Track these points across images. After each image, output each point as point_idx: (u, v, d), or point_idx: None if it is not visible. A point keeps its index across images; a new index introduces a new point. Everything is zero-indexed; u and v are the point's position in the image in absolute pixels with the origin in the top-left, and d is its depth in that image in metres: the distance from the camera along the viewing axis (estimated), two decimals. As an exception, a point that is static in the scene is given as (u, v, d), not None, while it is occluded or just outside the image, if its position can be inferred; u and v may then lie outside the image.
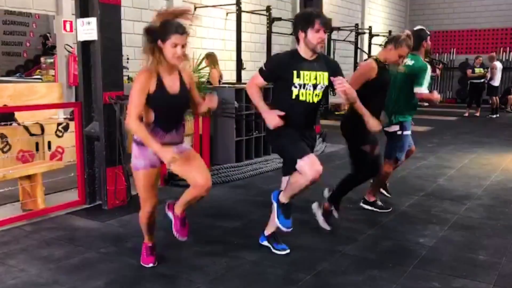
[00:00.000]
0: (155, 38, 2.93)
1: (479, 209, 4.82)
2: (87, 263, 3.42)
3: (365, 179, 4.27)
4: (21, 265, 3.38)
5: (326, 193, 4.23)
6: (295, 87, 3.20)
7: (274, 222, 3.48)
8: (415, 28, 4.71)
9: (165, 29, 2.91)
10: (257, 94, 3.29)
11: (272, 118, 3.16)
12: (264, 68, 3.31)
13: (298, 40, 3.25)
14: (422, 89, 4.38)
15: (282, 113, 3.18)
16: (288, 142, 3.26)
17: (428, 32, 4.62)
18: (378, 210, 4.60)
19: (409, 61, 4.49)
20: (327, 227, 4.06)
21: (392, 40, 4.02)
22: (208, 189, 3.11)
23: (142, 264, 3.36)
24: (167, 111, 3.05)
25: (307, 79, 3.21)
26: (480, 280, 3.20)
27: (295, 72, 3.18)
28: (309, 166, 3.12)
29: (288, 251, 3.57)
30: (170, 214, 3.36)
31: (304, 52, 3.24)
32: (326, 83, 3.29)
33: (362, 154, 4.08)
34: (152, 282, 3.14)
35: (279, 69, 3.24)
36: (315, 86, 3.24)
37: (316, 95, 3.27)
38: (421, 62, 4.47)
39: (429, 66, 4.50)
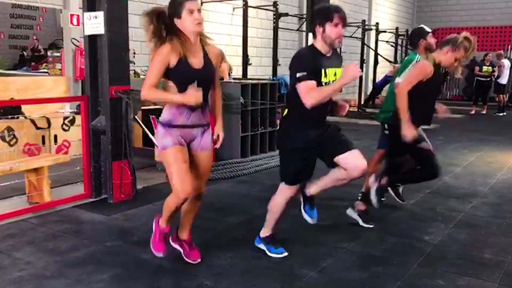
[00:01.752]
0: (170, 17, 2.89)
1: (485, 207, 4.80)
2: (93, 257, 3.44)
3: (426, 179, 4.14)
4: (27, 257, 3.40)
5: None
6: (322, 85, 3.11)
7: (270, 225, 3.50)
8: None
9: (175, 5, 2.88)
10: (321, 90, 3.06)
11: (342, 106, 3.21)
12: (303, 73, 3.03)
13: (314, 35, 3.18)
14: (400, 79, 4.25)
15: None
16: (288, 164, 3.30)
17: (429, 30, 4.53)
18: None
19: (407, 57, 4.52)
20: (377, 205, 4.08)
21: (449, 42, 3.78)
22: (198, 196, 3.20)
23: (153, 251, 3.22)
24: (189, 85, 2.93)
25: (330, 77, 3.15)
26: (485, 279, 3.19)
27: (323, 70, 3.10)
28: (285, 192, 3.34)
29: (285, 254, 3.48)
30: (175, 246, 3.38)
31: (321, 47, 3.15)
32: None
33: (421, 153, 3.94)
34: (157, 276, 3.15)
35: (314, 66, 3.08)
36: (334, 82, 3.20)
37: None
38: (412, 56, 4.42)
39: (418, 58, 4.34)
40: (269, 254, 3.49)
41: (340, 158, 3.16)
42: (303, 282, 3.11)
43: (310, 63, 3.09)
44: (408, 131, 3.74)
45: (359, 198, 4.44)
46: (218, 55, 3.21)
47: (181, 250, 3.35)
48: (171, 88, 2.98)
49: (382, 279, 3.16)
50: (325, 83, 3.12)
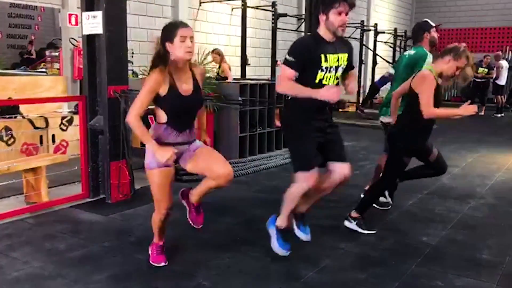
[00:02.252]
0: (162, 41, 2.92)
1: (483, 208, 4.80)
2: (90, 257, 3.43)
3: (430, 175, 4.23)
4: (24, 257, 3.39)
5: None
6: (322, 70, 3.12)
7: (286, 213, 3.43)
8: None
9: (169, 29, 2.92)
10: (295, 85, 3.10)
11: (330, 92, 3.01)
12: (291, 59, 3.09)
13: (318, 22, 3.18)
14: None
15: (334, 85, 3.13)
16: (299, 148, 3.26)
17: (433, 24, 4.52)
18: (378, 207, 4.57)
19: (411, 52, 4.47)
20: (371, 231, 4.02)
21: (450, 51, 3.74)
22: (230, 180, 3.10)
23: (153, 263, 3.28)
24: (180, 112, 3.02)
25: (332, 62, 3.15)
26: (483, 280, 3.19)
27: (323, 55, 3.10)
28: (306, 179, 3.21)
29: (288, 253, 3.46)
30: (184, 202, 3.37)
31: (325, 34, 3.16)
32: (346, 63, 3.26)
33: (401, 166, 3.96)
34: (155, 276, 3.14)
35: (309, 53, 3.10)
36: (337, 68, 3.21)
37: (336, 77, 3.24)
38: (422, 50, 4.38)
39: (430, 54, 4.38)
40: (274, 243, 3.45)
41: (331, 166, 3.31)
42: (301, 282, 3.11)
43: (304, 52, 3.12)
44: (465, 109, 3.61)
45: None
46: (203, 75, 3.25)
47: (187, 208, 3.39)
48: (160, 114, 3.02)
49: (381, 280, 3.16)
50: (326, 67, 3.14)
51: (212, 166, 3.06)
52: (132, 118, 2.90)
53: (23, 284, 3.00)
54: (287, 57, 3.12)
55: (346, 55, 3.25)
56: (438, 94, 3.80)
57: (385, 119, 4.60)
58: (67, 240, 3.73)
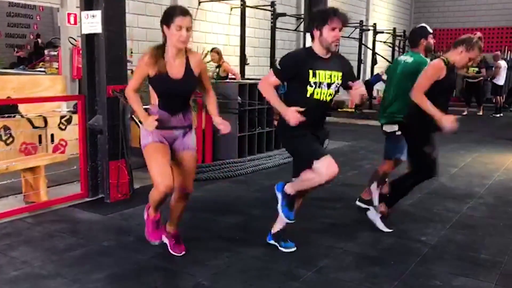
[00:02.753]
0: (161, 22, 3.00)
1: (481, 208, 4.81)
2: (89, 256, 3.43)
3: (422, 180, 4.10)
4: (23, 257, 3.39)
5: (376, 201, 4.14)
6: (311, 86, 3.16)
7: (281, 220, 3.49)
8: (417, 26, 4.67)
9: (168, 14, 2.97)
10: (272, 93, 3.23)
11: (292, 115, 3.09)
12: (279, 68, 3.23)
13: (312, 38, 3.21)
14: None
15: (301, 109, 3.11)
16: (303, 144, 3.26)
17: (430, 30, 4.52)
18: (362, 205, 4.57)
19: (408, 58, 4.44)
20: (388, 230, 4.02)
21: (463, 42, 3.76)
22: (186, 196, 3.28)
23: (149, 239, 3.33)
24: (169, 95, 3.09)
25: (322, 78, 3.17)
26: (482, 279, 3.19)
27: (311, 71, 3.14)
28: (326, 167, 3.13)
29: (294, 248, 3.54)
30: (164, 237, 3.46)
31: (318, 50, 3.19)
32: (340, 82, 3.27)
33: (423, 155, 3.94)
34: (153, 275, 3.14)
35: (296, 67, 3.17)
36: (329, 85, 3.21)
37: (330, 94, 3.25)
38: (420, 58, 4.36)
39: (429, 61, 4.34)
40: (280, 249, 3.54)
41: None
42: (300, 282, 3.11)
43: (293, 64, 3.20)
44: (447, 121, 3.65)
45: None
46: (200, 61, 3.27)
47: (167, 242, 3.45)
48: (152, 95, 3.14)
49: (379, 280, 3.16)
50: (314, 82, 3.16)
51: (181, 182, 3.22)
52: (129, 91, 3.14)
53: (22, 283, 3.00)
54: (277, 65, 3.27)
55: (340, 73, 3.25)
56: (449, 81, 3.82)
57: (388, 128, 4.47)
58: (66, 239, 3.73)
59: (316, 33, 3.16)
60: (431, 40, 4.45)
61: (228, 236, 3.89)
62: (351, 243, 3.78)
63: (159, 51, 3.04)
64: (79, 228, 4.01)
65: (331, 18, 3.09)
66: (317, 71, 3.15)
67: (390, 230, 4.02)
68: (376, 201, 4.10)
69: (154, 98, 3.15)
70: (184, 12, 2.98)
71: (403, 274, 3.24)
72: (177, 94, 3.12)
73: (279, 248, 3.56)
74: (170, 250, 3.44)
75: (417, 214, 4.56)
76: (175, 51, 3.04)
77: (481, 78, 13.65)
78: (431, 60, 4.29)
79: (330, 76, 3.20)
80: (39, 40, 12.36)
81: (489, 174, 6.25)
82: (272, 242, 3.62)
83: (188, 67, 3.10)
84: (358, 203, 4.65)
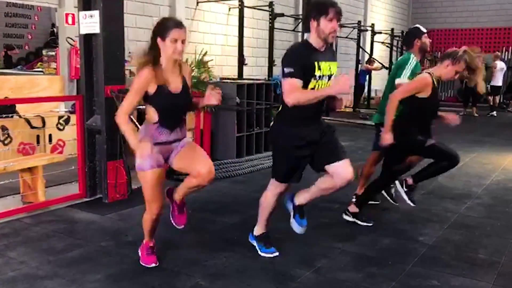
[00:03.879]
0: (154, 34, 2.95)
1: (479, 208, 4.82)
2: (87, 256, 3.43)
3: (449, 167, 4.02)
4: (21, 257, 3.38)
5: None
6: (315, 78, 3.11)
7: (262, 222, 3.51)
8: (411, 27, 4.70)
9: (163, 26, 2.93)
10: (305, 92, 3.08)
11: (341, 85, 3.00)
12: (290, 69, 3.04)
13: (309, 30, 3.17)
14: (401, 80, 4.26)
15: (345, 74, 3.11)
16: (279, 163, 3.34)
17: (424, 30, 4.54)
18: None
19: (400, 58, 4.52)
20: (411, 203, 4.08)
21: (449, 55, 3.82)
22: (211, 180, 3.11)
23: (143, 264, 3.29)
24: (171, 110, 3.04)
25: (324, 70, 3.14)
26: (479, 279, 3.20)
27: (316, 63, 3.09)
28: (275, 186, 3.36)
29: (276, 254, 3.48)
30: (168, 200, 3.37)
31: (315, 42, 3.15)
32: (335, 72, 3.26)
33: (433, 149, 3.93)
34: (151, 276, 3.14)
35: (304, 61, 3.08)
36: (329, 77, 3.19)
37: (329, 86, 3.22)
38: (408, 56, 4.40)
39: (414, 58, 4.34)
40: (260, 253, 3.50)
41: (330, 167, 3.19)
42: (297, 282, 3.11)
43: (299, 59, 3.10)
44: (386, 136, 3.81)
45: (354, 200, 4.45)
46: (190, 74, 3.28)
47: (171, 207, 3.39)
48: (149, 110, 3.05)
49: (377, 280, 3.17)
50: (319, 76, 3.12)
51: (194, 165, 3.07)
52: (120, 116, 2.96)
53: (19, 284, 2.99)
54: (286, 69, 3.05)
55: (335, 63, 3.25)
56: (434, 100, 3.87)
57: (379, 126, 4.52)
58: (64, 239, 3.73)
59: (313, 24, 3.11)
60: (426, 40, 4.45)
61: (226, 236, 3.89)
62: (349, 243, 3.78)
63: (156, 65, 2.95)
64: (77, 228, 4.01)
65: (328, 9, 3.06)
66: (321, 63, 3.12)
67: (413, 205, 4.10)
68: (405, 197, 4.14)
69: (151, 116, 3.04)
70: (179, 24, 2.93)
71: (400, 274, 3.25)
72: (179, 108, 3.09)
73: (259, 252, 3.51)
74: (172, 219, 3.38)
75: (415, 214, 4.56)
76: (171, 64, 2.99)
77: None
78: (429, 60, 4.33)
79: (330, 67, 3.19)
80: (55, 30, 12.29)
81: (487, 174, 6.27)
82: (254, 243, 3.58)
83: (184, 80, 3.09)
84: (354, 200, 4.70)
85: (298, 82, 3.05)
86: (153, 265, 3.28)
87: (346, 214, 4.25)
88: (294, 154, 3.22)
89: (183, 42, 2.93)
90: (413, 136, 3.90)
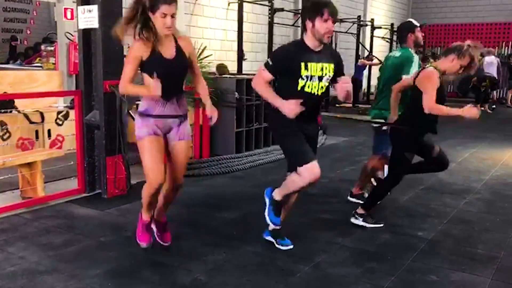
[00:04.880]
0: (145, 9, 2.96)
1: (478, 203, 4.82)
2: (86, 252, 3.43)
3: (436, 171, 4.21)
4: (20, 252, 3.38)
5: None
6: (302, 79, 3.14)
7: (283, 192, 3.43)
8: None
9: (154, 0, 2.94)
10: (266, 89, 3.23)
11: (291, 108, 3.07)
12: (270, 62, 3.19)
13: (305, 30, 3.19)
14: (407, 76, 4.21)
15: (300, 100, 3.08)
16: (291, 145, 3.26)
17: (417, 24, 4.50)
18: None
19: (396, 53, 4.46)
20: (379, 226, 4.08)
21: (454, 49, 3.76)
22: (177, 189, 3.28)
23: (138, 241, 3.35)
24: (164, 75, 3.03)
25: (314, 71, 3.15)
26: (478, 274, 3.20)
27: (303, 64, 3.11)
28: (308, 172, 3.16)
29: (291, 246, 3.52)
30: (152, 225, 3.46)
31: (310, 42, 3.17)
32: (332, 74, 3.25)
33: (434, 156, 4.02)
34: (151, 271, 3.14)
35: (287, 61, 3.15)
36: (321, 78, 3.19)
37: (321, 87, 3.23)
38: (408, 53, 4.37)
39: (416, 57, 4.36)
40: (276, 246, 3.53)
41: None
42: (297, 277, 3.11)
43: (284, 58, 3.17)
44: (468, 111, 3.62)
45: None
46: (189, 44, 3.26)
47: (155, 230, 3.46)
48: (146, 80, 3.10)
49: (376, 275, 3.17)
50: (306, 76, 3.13)
51: (172, 173, 3.22)
52: (124, 84, 3.06)
53: (19, 279, 2.99)
54: (268, 59, 3.23)
55: (332, 65, 3.24)
56: (442, 92, 3.82)
57: (375, 123, 4.50)
58: (63, 235, 3.73)
59: (309, 24, 3.13)
60: (419, 34, 4.44)
61: (225, 231, 3.89)
62: (348, 239, 3.79)
63: (148, 35, 3.01)
64: (76, 224, 4.00)
65: (324, 10, 3.07)
66: (309, 64, 3.13)
67: (381, 225, 4.05)
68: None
69: (146, 84, 3.11)
70: (169, 0, 2.95)
71: (400, 269, 3.25)
72: (172, 74, 3.10)
73: (276, 245, 3.54)
74: (157, 238, 3.46)
75: (414, 209, 4.57)
76: (163, 36, 3.04)
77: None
78: (422, 56, 4.32)
79: (322, 68, 3.18)
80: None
81: (486, 170, 6.27)
82: (269, 238, 3.61)
83: (178, 47, 3.12)
84: (350, 198, 4.71)
85: (267, 76, 3.20)
86: (145, 245, 3.33)
87: (356, 218, 4.09)
88: (297, 130, 3.23)
89: (172, 16, 2.97)
90: (423, 131, 3.89)
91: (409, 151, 3.90)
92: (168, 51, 3.07)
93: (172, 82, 3.11)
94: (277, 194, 3.41)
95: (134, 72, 3.07)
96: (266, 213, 3.46)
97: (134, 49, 3.03)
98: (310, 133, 3.33)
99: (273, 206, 3.43)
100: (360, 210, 4.08)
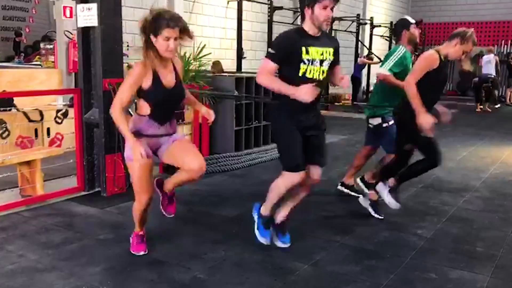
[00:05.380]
0: (148, 33, 2.94)
1: (477, 201, 4.83)
2: (86, 249, 3.43)
3: (432, 166, 4.04)
4: (19, 250, 3.38)
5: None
6: (304, 63, 3.12)
7: (269, 204, 3.45)
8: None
9: (156, 24, 2.91)
10: (275, 80, 3.16)
11: (306, 91, 3.01)
12: (272, 51, 3.14)
13: (303, 17, 3.19)
14: (380, 70, 4.30)
15: (312, 84, 3.06)
16: (286, 145, 3.28)
17: (412, 21, 4.49)
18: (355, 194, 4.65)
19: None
20: (396, 205, 4.10)
21: (458, 35, 3.81)
22: (202, 175, 3.17)
23: (133, 252, 3.34)
24: (164, 105, 3.07)
25: (314, 55, 3.15)
26: (477, 272, 3.21)
27: (303, 48, 3.10)
28: (291, 177, 3.22)
29: (267, 243, 3.48)
30: (157, 190, 3.43)
31: (309, 29, 3.16)
32: (332, 58, 3.25)
33: (425, 141, 3.92)
34: (150, 269, 3.15)
35: (289, 46, 3.13)
36: (321, 62, 3.19)
37: (322, 71, 3.22)
38: (394, 48, 4.40)
39: (402, 49, 4.34)
40: (255, 230, 3.51)
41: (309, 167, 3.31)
42: (296, 275, 3.12)
43: (285, 44, 3.15)
44: (425, 119, 3.70)
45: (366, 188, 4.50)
46: (181, 67, 3.31)
47: (160, 197, 3.45)
48: (143, 106, 3.08)
49: (375, 273, 3.18)
50: (308, 60, 3.13)
51: (185, 159, 3.12)
52: (115, 111, 2.99)
53: (18, 277, 3.00)
54: (269, 49, 3.19)
55: (331, 49, 3.25)
56: (439, 75, 3.86)
57: (373, 121, 4.53)
58: (62, 233, 3.73)
59: (308, 11, 3.13)
60: (415, 31, 4.43)
61: (224, 229, 3.89)
62: (348, 236, 3.79)
63: (149, 60, 2.96)
64: (75, 222, 4.01)
65: None
66: (309, 48, 3.12)
67: (398, 207, 4.13)
68: (389, 199, 4.16)
69: (142, 109, 3.08)
70: (173, 24, 2.90)
71: (399, 267, 3.26)
72: (171, 103, 3.14)
73: (255, 230, 3.51)
74: (161, 206, 3.46)
75: (413, 208, 4.57)
76: (164, 60, 3.02)
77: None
78: (420, 53, 4.34)
79: (322, 53, 3.19)
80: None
81: (485, 168, 6.28)
82: (255, 217, 3.54)
83: (177, 75, 3.12)
84: (340, 187, 4.86)
85: (272, 67, 3.14)
86: (142, 253, 3.33)
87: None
88: (293, 130, 3.23)
89: (175, 39, 2.94)
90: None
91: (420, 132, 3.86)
92: (168, 79, 3.05)
93: (169, 109, 3.17)
94: (264, 210, 3.48)
95: (130, 98, 3.05)
96: (255, 229, 3.49)
97: (135, 74, 2.98)
98: (311, 122, 3.29)
99: (261, 220, 3.49)
100: (392, 181, 4.11)
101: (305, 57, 3.12)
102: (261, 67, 3.20)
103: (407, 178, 4.22)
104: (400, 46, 4.38)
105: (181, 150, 3.16)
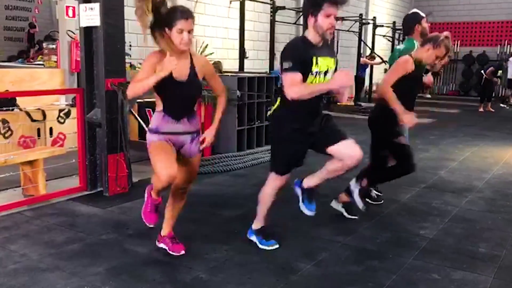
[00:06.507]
0: (162, 26, 2.93)
1: (480, 202, 4.81)
2: (88, 249, 3.43)
3: (405, 173, 4.07)
4: (22, 250, 3.39)
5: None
6: (312, 74, 3.08)
7: (261, 217, 3.50)
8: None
9: (170, 16, 2.91)
10: (305, 86, 3.05)
11: (342, 78, 2.95)
12: (289, 63, 3.01)
13: (307, 25, 3.16)
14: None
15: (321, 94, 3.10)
16: (282, 153, 3.32)
17: (423, 15, 4.45)
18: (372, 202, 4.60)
19: (401, 46, 4.46)
20: (362, 207, 4.13)
21: (430, 40, 3.88)
22: (184, 191, 3.30)
23: (144, 221, 3.20)
24: (174, 97, 3.01)
25: (321, 66, 3.12)
26: (480, 273, 3.20)
27: (314, 58, 3.07)
28: (277, 181, 3.34)
29: (276, 246, 3.49)
30: (160, 245, 3.44)
31: (313, 38, 3.13)
32: (334, 68, 3.24)
33: (399, 147, 3.99)
34: (152, 269, 3.15)
35: (302, 55, 3.06)
36: (326, 73, 3.17)
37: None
38: (412, 44, 4.35)
39: (417, 45, 4.30)
40: (260, 246, 3.49)
41: (333, 149, 3.19)
42: (298, 275, 3.11)
43: (298, 53, 3.08)
44: (407, 118, 3.80)
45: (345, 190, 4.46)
46: (205, 64, 3.21)
47: (166, 248, 3.37)
48: (157, 100, 3.07)
49: (377, 273, 3.17)
50: (317, 72, 3.10)
51: (184, 178, 3.21)
52: (131, 87, 2.93)
53: (20, 276, 3.00)
54: (285, 63, 3.03)
55: (333, 59, 3.24)
56: (414, 79, 3.97)
57: None
58: (65, 232, 3.73)
59: (311, 20, 3.10)
60: (425, 25, 4.42)
61: (227, 229, 3.89)
62: (350, 237, 3.78)
63: (163, 52, 2.94)
64: (78, 222, 4.01)
65: (326, 5, 3.03)
66: (318, 58, 3.09)
67: (356, 217, 4.15)
68: (358, 200, 4.18)
69: (159, 104, 3.06)
70: (186, 16, 2.90)
71: (401, 267, 3.25)
72: (183, 96, 3.04)
73: (259, 245, 3.49)
74: (169, 251, 3.35)
75: (415, 208, 4.56)
76: (178, 53, 2.96)
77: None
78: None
79: (327, 63, 3.17)
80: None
81: (488, 168, 6.26)
82: (253, 238, 3.56)
83: (192, 70, 3.04)
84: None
85: (298, 76, 3.03)
86: (152, 224, 3.20)
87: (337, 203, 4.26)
88: (293, 143, 3.24)
89: (189, 32, 2.92)
90: (395, 124, 3.92)
91: (395, 136, 3.98)
92: (180, 72, 2.97)
93: (181, 103, 3.07)
94: (256, 225, 3.55)
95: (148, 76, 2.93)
96: (301, 207, 3.47)
97: (151, 59, 2.94)
98: (317, 127, 3.27)
99: (259, 236, 3.53)
100: (364, 182, 4.14)
101: (314, 68, 3.08)
102: (287, 83, 3.04)
103: (380, 182, 4.35)
104: (414, 41, 4.36)
105: (184, 172, 3.19)
